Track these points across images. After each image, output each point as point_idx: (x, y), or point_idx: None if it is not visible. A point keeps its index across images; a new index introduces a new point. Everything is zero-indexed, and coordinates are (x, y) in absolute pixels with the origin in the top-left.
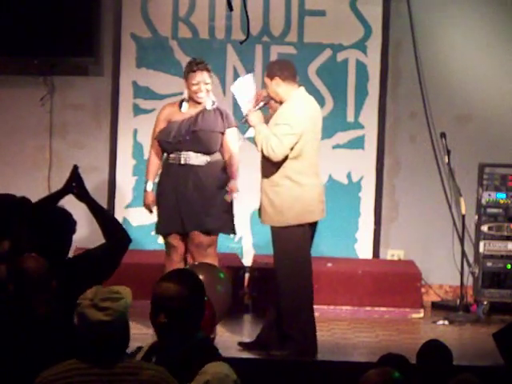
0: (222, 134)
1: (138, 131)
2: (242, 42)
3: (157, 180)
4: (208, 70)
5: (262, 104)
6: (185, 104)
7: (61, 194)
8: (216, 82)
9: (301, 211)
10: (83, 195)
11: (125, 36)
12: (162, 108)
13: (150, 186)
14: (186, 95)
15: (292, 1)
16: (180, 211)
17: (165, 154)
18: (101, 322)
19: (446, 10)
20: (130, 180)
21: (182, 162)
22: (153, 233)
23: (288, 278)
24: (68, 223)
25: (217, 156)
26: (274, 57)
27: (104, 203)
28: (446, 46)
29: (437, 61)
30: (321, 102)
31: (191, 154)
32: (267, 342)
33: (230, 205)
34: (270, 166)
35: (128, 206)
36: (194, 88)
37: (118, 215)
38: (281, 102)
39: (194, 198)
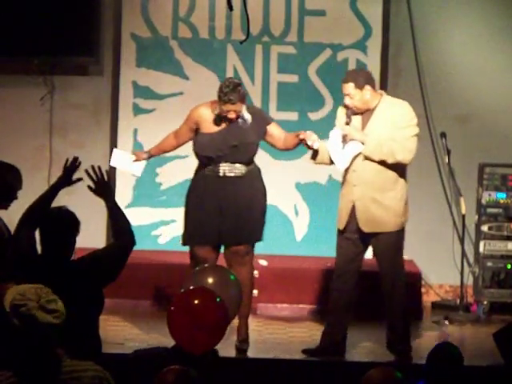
0: (258, 143)
1: (137, 131)
2: (242, 42)
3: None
4: (243, 102)
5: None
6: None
7: (59, 187)
8: (216, 82)
9: (407, 213)
10: (100, 191)
11: (125, 36)
12: (196, 108)
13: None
14: (218, 111)
15: (292, 1)
16: (218, 224)
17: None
18: (50, 324)
19: (446, 9)
20: (130, 180)
21: (221, 174)
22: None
23: (404, 283)
24: (71, 223)
25: (252, 165)
26: (274, 57)
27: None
28: (446, 46)
29: (437, 61)
30: (321, 102)
31: (230, 165)
32: (334, 346)
33: (263, 213)
34: (379, 173)
35: (128, 206)
36: (226, 114)
37: None
38: (363, 111)
39: (232, 211)
